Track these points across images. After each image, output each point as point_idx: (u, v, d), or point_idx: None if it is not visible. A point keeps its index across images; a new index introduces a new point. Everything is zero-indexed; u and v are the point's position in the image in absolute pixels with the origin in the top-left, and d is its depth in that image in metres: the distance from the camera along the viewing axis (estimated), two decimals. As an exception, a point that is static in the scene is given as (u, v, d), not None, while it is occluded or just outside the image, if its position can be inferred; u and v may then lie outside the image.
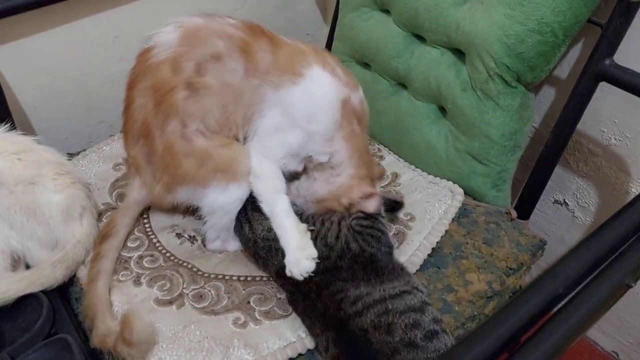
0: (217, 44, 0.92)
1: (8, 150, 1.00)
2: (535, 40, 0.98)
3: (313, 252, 0.88)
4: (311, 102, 0.94)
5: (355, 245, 0.90)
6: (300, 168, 0.99)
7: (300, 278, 0.88)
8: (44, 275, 0.97)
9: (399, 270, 0.90)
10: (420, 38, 1.17)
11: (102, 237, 1.01)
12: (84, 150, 1.25)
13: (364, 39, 1.25)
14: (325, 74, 0.94)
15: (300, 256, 0.88)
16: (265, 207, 0.95)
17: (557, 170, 1.22)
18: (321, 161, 0.97)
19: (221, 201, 0.96)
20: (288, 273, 0.89)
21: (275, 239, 0.93)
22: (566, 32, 0.97)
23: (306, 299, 0.89)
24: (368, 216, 0.94)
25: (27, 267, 1.00)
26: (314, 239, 0.91)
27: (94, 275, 0.96)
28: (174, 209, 1.07)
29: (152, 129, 0.94)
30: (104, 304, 0.93)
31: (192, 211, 1.07)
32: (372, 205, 0.94)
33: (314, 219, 0.96)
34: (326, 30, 1.62)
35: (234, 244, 1.04)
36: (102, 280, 0.96)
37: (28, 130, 1.28)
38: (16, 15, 1.17)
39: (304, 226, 0.91)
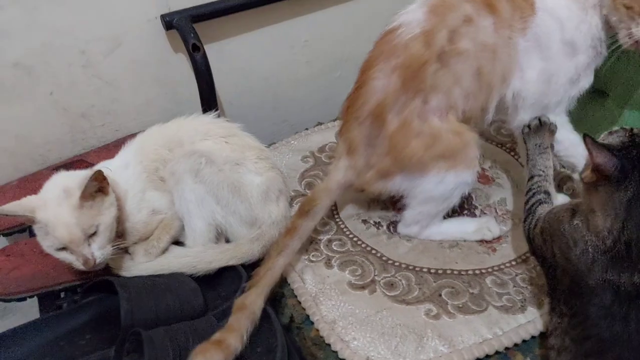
0: (464, 7, 0.93)
1: (218, 134, 1.09)
2: None
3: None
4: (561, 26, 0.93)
5: None
6: None
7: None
8: (244, 251, 1.03)
9: None
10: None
11: (300, 213, 1.02)
12: (273, 143, 1.33)
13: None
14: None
15: None
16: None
17: None
18: None
19: (440, 190, 0.96)
20: None
21: None
22: None
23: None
24: None
25: (227, 241, 1.07)
26: None
27: (281, 247, 0.97)
28: (370, 200, 1.09)
29: (387, 109, 0.94)
30: (267, 283, 0.93)
31: (377, 201, 1.09)
32: None
33: None
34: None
35: (429, 232, 1.03)
36: (284, 258, 0.97)
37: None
38: (220, 17, 1.28)
39: None
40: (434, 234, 1.05)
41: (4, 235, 1.16)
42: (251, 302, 0.89)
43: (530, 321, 0.88)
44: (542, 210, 0.89)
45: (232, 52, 1.38)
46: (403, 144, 0.94)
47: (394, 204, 1.09)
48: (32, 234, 1.12)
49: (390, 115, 0.94)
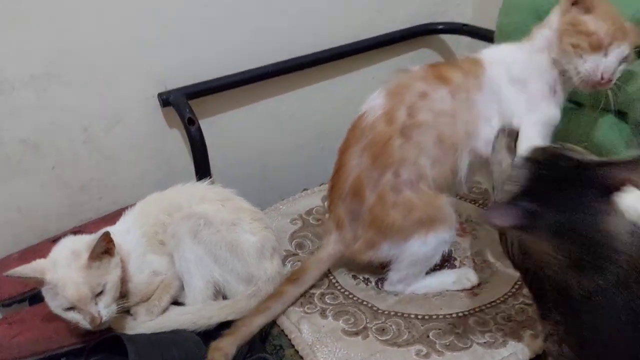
0: (418, 85, 1.05)
1: (214, 198, 1.18)
2: None
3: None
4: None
5: None
6: None
7: None
8: (242, 307, 1.08)
9: None
10: (577, 104, 1.25)
11: (288, 279, 1.11)
12: (262, 209, 1.41)
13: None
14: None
15: None
16: None
17: None
18: None
19: (423, 251, 1.05)
20: None
21: None
22: None
23: None
24: None
25: (224, 298, 1.13)
26: None
27: (263, 308, 1.05)
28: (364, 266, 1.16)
29: (364, 184, 1.05)
30: (242, 335, 1.01)
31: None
32: None
33: None
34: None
35: (413, 288, 1.11)
36: (263, 319, 1.05)
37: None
38: (212, 94, 1.41)
39: None
40: (418, 289, 1.12)
41: (4, 306, 1.19)
42: (224, 346, 0.98)
43: (512, 353, 0.95)
44: None
45: (223, 126, 1.49)
46: (383, 215, 1.04)
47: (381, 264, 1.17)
48: (31, 303, 1.17)
49: (367, 191, 1.05)
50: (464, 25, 1.69)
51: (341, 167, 1.10)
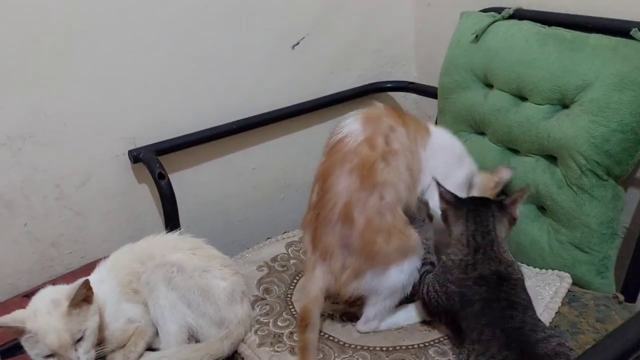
0: (386, 119, 1.16)
1: (185, 247, 1.24)
2: (618, 138, 1.18)
3: None
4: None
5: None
6: None
7: None
8: (215, 349, 1.13)
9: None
10: (515, 150, 1.40)
11: (304, 327, 1.09)
12: (231, 257, 1.48)
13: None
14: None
15: None
16: None
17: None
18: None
19: (401, 280, 1.10)
20: None
21: None
22: (644, 130, 1.18)
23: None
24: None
25: (197, 342, 1.17)
26: None
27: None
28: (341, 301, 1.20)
29: (353, 208, 1.08)
30: None
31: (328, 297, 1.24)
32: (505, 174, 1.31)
33: None
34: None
35: (385, 324, 1.17)
36: None
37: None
38: (179, 151, 1.50)
39: None
40: (389, 324, 1.18)
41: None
42: None
43: (469, 377, 1.03)
44: (430, 277, 1.12)
45: (190, 180, 1.57)
46: (372, 240, 1.07)
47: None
48: (4, 357, 1.18)
49: (356, 213, 1.08)
50: (410, 83, 1.85)
51: (327, 193, 1.11)
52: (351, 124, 1.15)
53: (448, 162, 1.26)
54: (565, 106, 1.29)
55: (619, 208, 1.26)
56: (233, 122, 1.56)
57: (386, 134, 1.14)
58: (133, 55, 1.41)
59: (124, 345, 1.13)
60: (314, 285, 1.12)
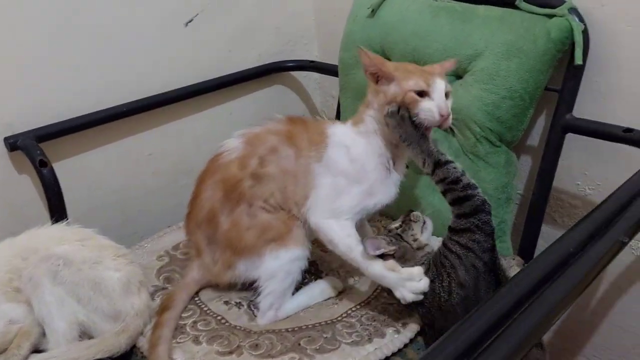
0: (271, 139, 1.14)
1: (73, 239, 1.15)
2: (508, 105, 1.22)
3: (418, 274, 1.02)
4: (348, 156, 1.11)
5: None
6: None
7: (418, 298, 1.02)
8: (110, 344, 1.06)
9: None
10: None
11: (162, 309, 1.12)
12: (128, 248, 1.39)
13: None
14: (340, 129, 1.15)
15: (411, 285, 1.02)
16: (354, 263, 1.07)
17: (546, 228, 1.40)
18: None
19: (277, 265, 1.11)
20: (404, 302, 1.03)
21: None
22: (531, 96, 1.22)
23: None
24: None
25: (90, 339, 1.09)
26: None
27: (155, 340, 1.06)
28: (228, 287, 1.20)
29: (218, 214, 1.14)
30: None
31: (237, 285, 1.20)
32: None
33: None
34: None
35: (284, 310, 1.14)
36: (163, 345, 1.05)
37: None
38: (65, 136, 1.39)
39: (391, 262, 1.04)
40: (289, 309, 1.15)
41: None
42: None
43: (377, 348, 1.03)
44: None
45: (79, 168, 1.46)
46: (238, 238, 1.13)
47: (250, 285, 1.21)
48: None
49: (222, 218, 1.14)
50: (311, 62, 1.82)
51: (197, 196, 1.19)
52: (234, 141, 1.17)
53: (341, 179, 1.12)
54: (459, 77, 1.32)
55: (512, 173, 1.30)
56: (123, 105, 1.46)
57: (263, 155, 1.13)
58: (10, 31, 1.28)
59: (6, 350, 1.02)
60: (188, 274, 1.21)
